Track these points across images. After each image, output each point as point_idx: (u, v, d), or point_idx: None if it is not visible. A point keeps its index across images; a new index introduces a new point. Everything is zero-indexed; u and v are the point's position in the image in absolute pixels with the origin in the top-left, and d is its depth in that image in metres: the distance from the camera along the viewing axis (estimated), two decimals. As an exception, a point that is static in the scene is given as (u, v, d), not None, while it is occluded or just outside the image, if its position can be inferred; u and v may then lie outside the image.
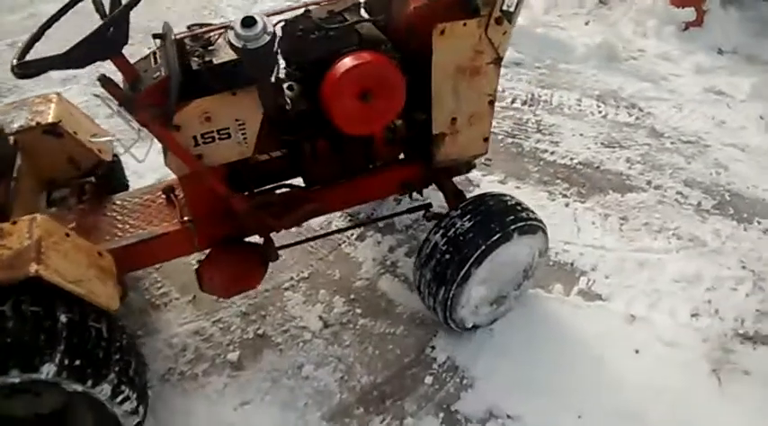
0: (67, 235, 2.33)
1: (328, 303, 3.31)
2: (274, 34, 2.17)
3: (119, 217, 2.81)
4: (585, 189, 4.03)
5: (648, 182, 4.12)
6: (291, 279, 3.45)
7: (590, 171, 4.20)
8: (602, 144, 4.46)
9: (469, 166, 3.18)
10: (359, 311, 3.28)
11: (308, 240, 3.24)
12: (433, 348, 3.11)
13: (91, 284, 2.25)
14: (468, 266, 2.72)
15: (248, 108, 2.39)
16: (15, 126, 2.84)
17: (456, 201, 2.99)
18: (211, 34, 2.44)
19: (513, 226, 2.74)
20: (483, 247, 2.70)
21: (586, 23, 6.05)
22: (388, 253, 3.59)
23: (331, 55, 2.45)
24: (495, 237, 2.71)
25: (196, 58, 2.35)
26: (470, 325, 3.00)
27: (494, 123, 2.98)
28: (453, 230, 2.78)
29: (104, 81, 2.12)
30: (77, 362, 2.11)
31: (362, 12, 2.71)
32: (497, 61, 2.58)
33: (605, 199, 3.95)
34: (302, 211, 2.78)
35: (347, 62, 2.39)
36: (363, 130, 2.64)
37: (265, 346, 3.15)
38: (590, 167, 4.23)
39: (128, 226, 2.76)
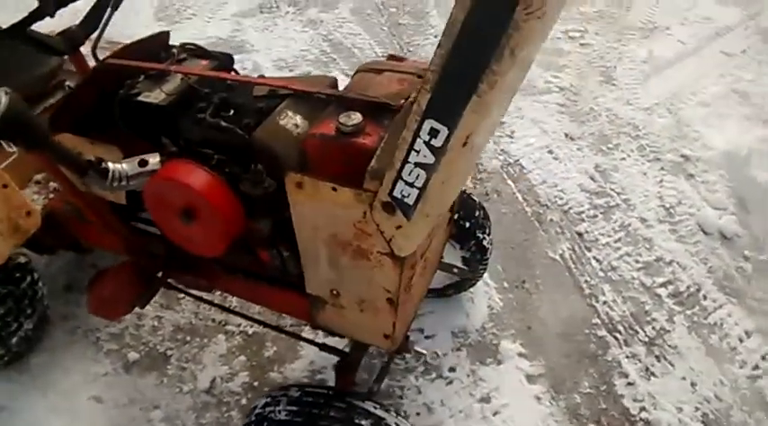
0: (5, 186, 2.38)
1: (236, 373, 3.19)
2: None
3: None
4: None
5: None
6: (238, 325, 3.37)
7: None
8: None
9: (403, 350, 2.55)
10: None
11: (202, 300, 3.00)
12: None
13: None
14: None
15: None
16: None
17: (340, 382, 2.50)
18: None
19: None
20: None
21: None
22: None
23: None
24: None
25: None
26: None
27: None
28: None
29: None
30: None
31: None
32: (396, 258, 1.84)
33: None
34: (187, 279, 2.63)
35: (165, 171, 1.92)
36: (194, 250, 2.15)
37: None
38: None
39: None
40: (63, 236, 2.96)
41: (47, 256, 3.29)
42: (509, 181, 4.04)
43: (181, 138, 2.05)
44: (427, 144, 1.45)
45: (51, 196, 2.86)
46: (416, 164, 1.51)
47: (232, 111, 2.02)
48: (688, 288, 3.49)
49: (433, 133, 1.42)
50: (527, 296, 3.39)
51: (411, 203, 1.61)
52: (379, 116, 1.77)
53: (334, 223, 1.84)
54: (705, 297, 3.47)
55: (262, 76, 2.27)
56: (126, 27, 5.08)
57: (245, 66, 5.19)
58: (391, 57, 2.19)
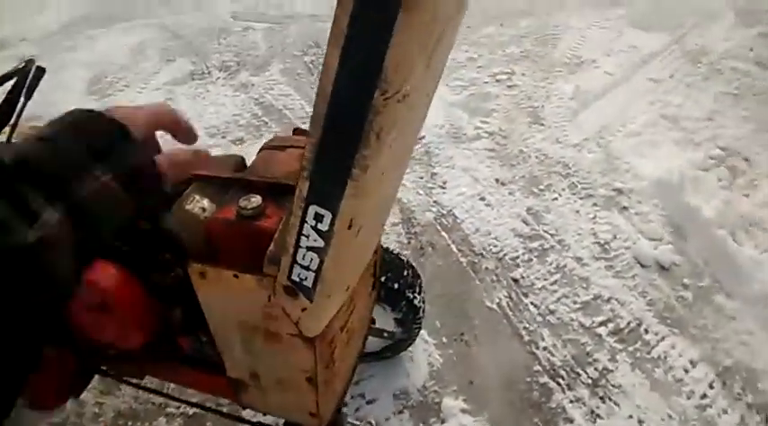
0: None
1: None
2: None
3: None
4: None
5: None
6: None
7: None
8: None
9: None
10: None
11: (138, 387, 2.87)
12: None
13: None
14: None
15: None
16: None
17: None
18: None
19: None
20: None
21: None
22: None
23: None
24: None
25: None
26: None
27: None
28: None
29: None
30: None
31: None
32: (307, 338, 1.82)
33: None
34: (117, 366, 2.55)
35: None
36: (112, 344, 2.10)
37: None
38: None
39: None
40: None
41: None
42: (443, 233, 4.03)
43: None
44: (314, 228, 1.44)
45: None
46: (308, 248, 1.49)
47: None
48: (628, 324, 3.49)
49: (318, 218, 1.41)
50: (467, 349, 3.36)
51: (310, 286, 1.58)
52: (280, 197, 1.76)
53: (242, 309, 1.82)
54: (647, 331, 3.46)
55: None
56: (55, 104, 5.11)
57: None
58: (297, 132, 2.19)
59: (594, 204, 4.26)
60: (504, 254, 3.86)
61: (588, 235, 4.02)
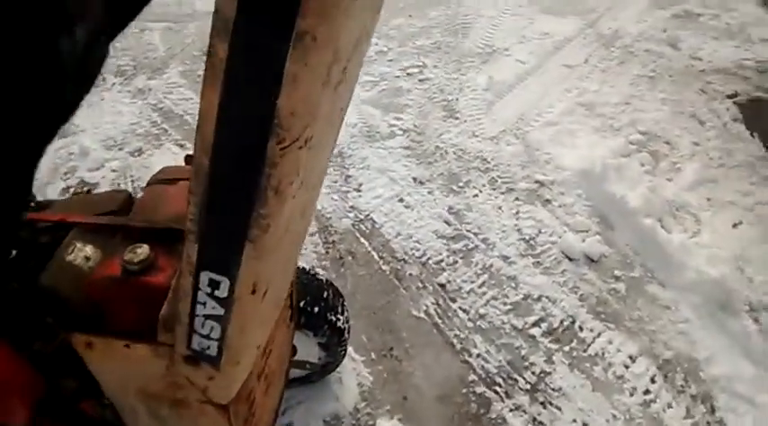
0: None
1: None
2: None
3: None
4: None
5: None
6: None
7: None
8: None
9: None
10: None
11: None
12: None
13: None
14: None
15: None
16: None
17: None
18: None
19: None
20: None
21: None
22: None
23: None
24: None
25: None
26: None
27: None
28: None
29: None
30: None
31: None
32: (221, 406, 1.59)
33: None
34: None
35: None
36: None
37: None
38: None
39: None
40: None
41: None
42: (362, 240, 3.80)
43: None
44: (211, 295, 1.21)
45: None
46: (206, 316, 1.27)
47: (14, 252, 1.70)
48: (562, 322, 3.34)
49: (214, 284, 1.19)
50: (397, 364, 3.14)
51: (214, 354, 1.36)
52: (171, 243, 1.51)
53: (140, 379, 1.56)
54: (581, 329, 3.33)
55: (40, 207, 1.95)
56: None
57: (71, 150, 4.79)
58: (190, 160, 1.93)
59: (516, 198, 4.09)
60: (428, 258, 3.65)
61: (512, 231, 3.85)
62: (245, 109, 0.90)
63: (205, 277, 1.19)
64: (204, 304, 1.24)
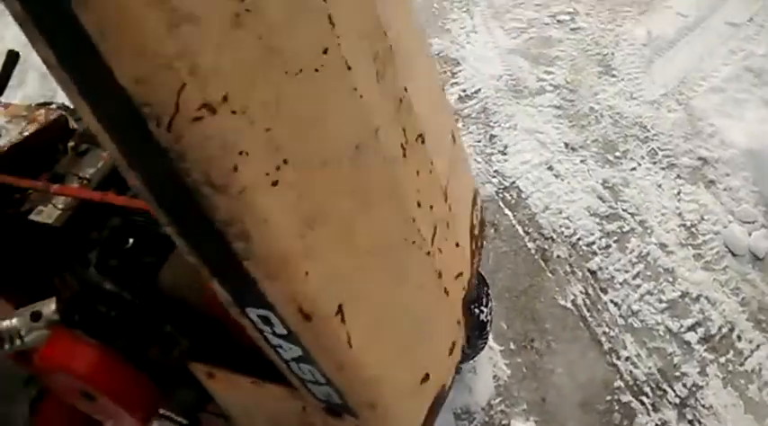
0: None
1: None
2: None
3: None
4: None
5: None
6: None
7: None
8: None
9: None
10: None
11: None
12: None
13: None
14: None
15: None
16: None
17: None
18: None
19: None
20: None
21: None
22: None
23: None
24: None
25: None
26: None
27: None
28: None
29: None
30: None
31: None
32: None
33: None
34: None
35: (47, 352, 1.45)
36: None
37: None
38: None
39: None
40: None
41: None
42: (506, 211, 3.51)
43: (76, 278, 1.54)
44: (275, 334, 1.06)
45: None
46: (294, 360, 1.12)
47: (131, 240, 1.50)
48: (720, 329, 3.03)
49: (266, 321, 1.02)
50: (538, 358, 2.91)
51: (340, 402, 1.17)
52: None
53: (270, 411, 1.37)
54: (740, 338, 3.02)
55: None
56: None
57: None
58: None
59: (678, 176, 3.70)
60: (579, 239, 3.35)
61: (673, 215, 3.49)
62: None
63: (253, 314, 1.02)
64: (280, 346, 1.08)
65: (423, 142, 1.23)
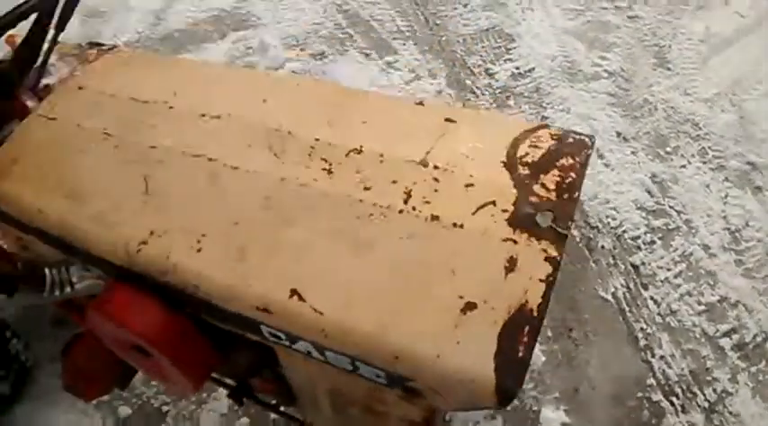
0: None
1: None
2: None
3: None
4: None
5: None
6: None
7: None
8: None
9: None
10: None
11: None
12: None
13: None
14: None
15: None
16: None
17: None
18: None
19: None
20: None
21: None
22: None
23: None
24: None
25: None
26: None
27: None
28: None
29: None
30: None
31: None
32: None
33: None
34: None
35: (103, 303, 1.42)
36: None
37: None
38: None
39: None
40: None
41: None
42: (554, 195, 3.48)
43: None
44: None
45: None
46: None
47: None
48: (754, 337, 3.01)
49: None
50: (573, 348, 2.90)
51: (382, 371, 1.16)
52: None
53: (333, 383, 1.38)
54: (773, 349, 2.99)
55: None
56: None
57: (249, 44, 4.55)
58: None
59: (726, 179, 3.66)
60: (624, 232, 3.32)
61: (718, 218, 3.45)
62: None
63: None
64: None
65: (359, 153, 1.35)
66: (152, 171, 1.44)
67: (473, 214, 1.15)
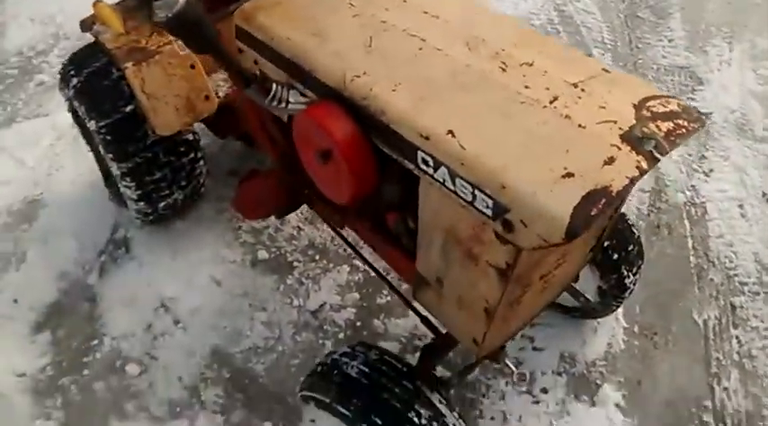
0: (192, 66, 2.72)
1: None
2: None
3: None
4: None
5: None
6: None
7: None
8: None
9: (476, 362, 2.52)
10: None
11: (334, 230, 2.92)
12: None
13: (159, 104, 2.71)
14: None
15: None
16: None
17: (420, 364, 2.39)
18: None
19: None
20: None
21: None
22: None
23: None
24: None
25: None
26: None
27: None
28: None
29: None
30: None
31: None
32: (503, 275, 1.73)
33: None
34: (322, 208, 2.66)
35: (312, 109, 1.91)
36: (324, 192, 2.16)
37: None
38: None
39: None
40: (235, 127, 3.12)
41: (222, 141, 3.52)
42: (686, 222, 3.79)
43: None
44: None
45: (233, 88, 2.98)
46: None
47: None
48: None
49: None
50: (652, 349, 3.22)
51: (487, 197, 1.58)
52: None
53: (456, 217, 1.78)
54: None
55: None
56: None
57: None
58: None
59: None
60: (736, 275, 3.58)
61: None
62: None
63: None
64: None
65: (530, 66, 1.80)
66: (377, 35, 1.95)
67: (597, 124, 1.54)
